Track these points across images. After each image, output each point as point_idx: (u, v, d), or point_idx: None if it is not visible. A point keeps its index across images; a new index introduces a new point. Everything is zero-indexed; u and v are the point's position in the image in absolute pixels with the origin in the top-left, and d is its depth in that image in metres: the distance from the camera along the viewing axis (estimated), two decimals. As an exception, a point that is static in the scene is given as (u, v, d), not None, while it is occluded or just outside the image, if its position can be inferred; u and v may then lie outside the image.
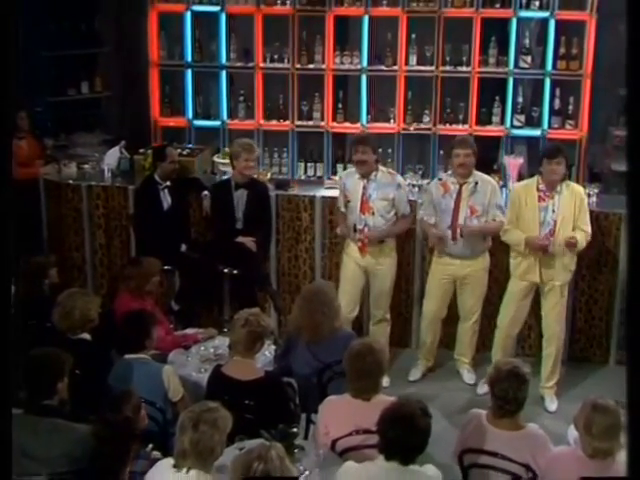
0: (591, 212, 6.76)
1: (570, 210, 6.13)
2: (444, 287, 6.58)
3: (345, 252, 6.72)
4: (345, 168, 7.49)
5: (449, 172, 6.55)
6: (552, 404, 6.39)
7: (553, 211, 6.13)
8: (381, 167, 6.61)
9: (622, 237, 6.79)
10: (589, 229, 6.22)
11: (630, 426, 2.91)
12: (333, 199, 7.02)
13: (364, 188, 6.47)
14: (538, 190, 6.17)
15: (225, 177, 7.25)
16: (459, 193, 6.36)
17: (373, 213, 6.46)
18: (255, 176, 7.07)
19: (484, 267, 6.53)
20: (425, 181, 7.34)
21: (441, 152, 7.67)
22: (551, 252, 6.12)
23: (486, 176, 6.53)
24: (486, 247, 6.52)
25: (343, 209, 6.67)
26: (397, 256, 6.69)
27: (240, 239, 6.88)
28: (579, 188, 6.30)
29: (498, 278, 6.69)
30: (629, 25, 2.98)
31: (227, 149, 7.54)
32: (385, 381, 5.63)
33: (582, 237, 6.15)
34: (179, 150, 7.56)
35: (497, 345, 6.54)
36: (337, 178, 7.35)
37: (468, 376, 6.76)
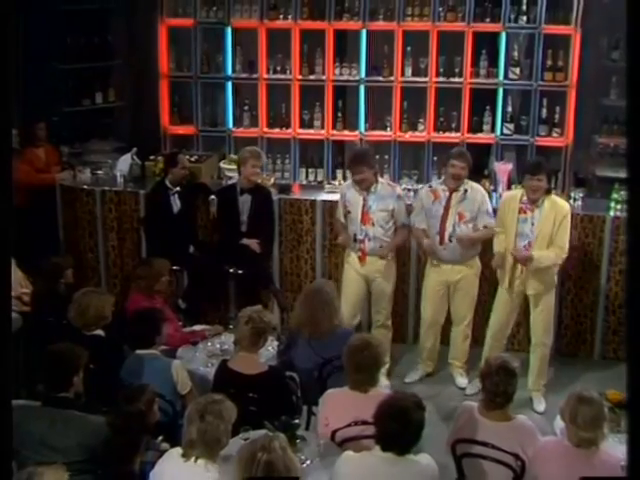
0: (576, 215, 6.75)
1: (549, 225, 5.96)
2: (439, 293, 6.47)
3: (346, 261, 6.62)
4: (344, 174, 7.48)
5: (440, 180, 6.48)
6: (540, 405, 6.26)
7: (532, 224, 5.98)
8: (381, 179, 6.53)
9: (606, 238, 6.80)
10: (565, 247, 6.02)
11: (630, 425, 2.84)
12: (333, 203, 6.99)
13: (364, 200, 6.37)
14: (521, 202, 6.02)
15: (230, 182, 7.25)
16: (448, 200, 6.27)
17: (373, 224, 6.37)
18: (259, 181, 7.08)
19: (475, 272, 6.42)
20: (419, 186, 7.32)
21: (434, 158, 7.68)
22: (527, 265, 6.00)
23: (476, 184, 6.45)
24: (476, 252, 6.41)
25: (343, 220, 6.58)
26: (396, 263, 6.60)
27: (244, 241, 6.87)
28: (563, 204, 6.09)
29: (491, 282, 6.57)
30: (629, 30, 2.89)
31: (233, 156, 7.56)
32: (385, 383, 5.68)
33: (554, 255, 6.00)
34: (187, 157, 7.57)
35: (487, 348, 6.38)
36: (337, 184, 7.34)
37: (461, 380, 6.64)
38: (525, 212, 6.02)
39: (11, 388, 3.49)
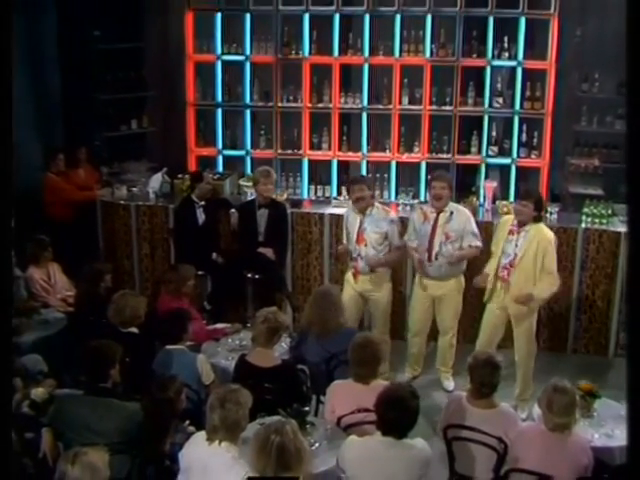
0: (551, 227, 6.71)
1: (531, 249, 5.69)
2: (424, 305, 6.31)
3: (345, 279, 6.49)
4: (349, 190, 7.45)
5: (428, 204, 6.31)
6: (523, 413, 5.83)
7: (516, 245, 5.74)
8: (377, 204, 6.38)
9: (578, 247, 6.82)
10: (555, 273, 5.77)
11: (630, 423, 2.74)
12: (339, 216, 6.98)
13: (360, 221, 6.26)
14: (512, 225, 5.82)
15: (250, 198, 7.28)
16: (436, 220, 6.08)
17: (366, 244, 6.20)
18: (274, 196, 7.11)
19: (457, 288, 6.22)
20: (415, 201, 7.41)
21: (429, 177, 7.66)
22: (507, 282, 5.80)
23: (461, 207, 6.30)
24: (460, 270, 6.21)
25: (345, 241, 6.47)
26: (391, 282, 6.40)
27: (261, 250, 6.90)
28: (547, 233, 5.80)
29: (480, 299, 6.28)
30: (629, 43, 2.82)
31: (250, 174, 7.61)
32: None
33: (547, 284, 5.76)
34: (210, 175, 7.61)
35: None
36: (343, 200, 7.27)
37: (447, 383, 6.49)
38: (513, 234, 5.80)
39: (11, 386, 3.50)
